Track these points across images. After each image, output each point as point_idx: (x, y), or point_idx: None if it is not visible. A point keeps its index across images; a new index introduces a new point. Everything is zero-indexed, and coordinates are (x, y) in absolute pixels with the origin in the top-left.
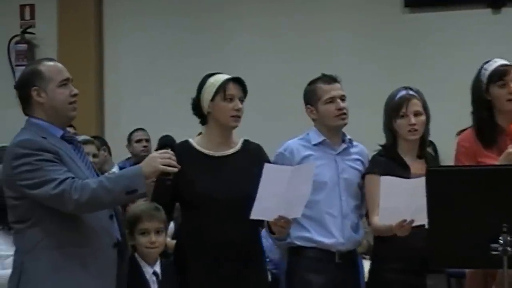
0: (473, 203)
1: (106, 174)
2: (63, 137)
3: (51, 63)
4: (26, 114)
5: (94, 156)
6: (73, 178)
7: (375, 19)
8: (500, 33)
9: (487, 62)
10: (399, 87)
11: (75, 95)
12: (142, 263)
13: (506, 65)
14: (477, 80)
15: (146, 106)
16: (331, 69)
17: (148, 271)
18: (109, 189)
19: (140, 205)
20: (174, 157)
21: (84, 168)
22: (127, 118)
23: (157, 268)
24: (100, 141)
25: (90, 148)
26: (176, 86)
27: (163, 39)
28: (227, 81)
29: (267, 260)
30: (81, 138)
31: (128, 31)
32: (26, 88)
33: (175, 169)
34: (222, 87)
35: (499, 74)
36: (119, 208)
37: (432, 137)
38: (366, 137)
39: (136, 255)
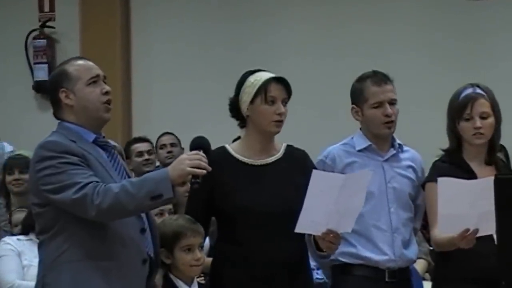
0: None
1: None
2: (95, 142)
3: (80, 61)
4: (57, 118)
5: None
6: (97, 182)
7: (436, 8)
8: None
9: None
10: (466, 84)
11: (107, 92)
12: (179, 283)
13: None
14: None
15: (180, 107)
16: (387, 66)
17: None
18: (133, 194)
19: (174, 219)
20: (205, 159)
21: (116, 176)
22: (158, 121)
23: None
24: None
25: None
26: (214, 83)
27: (198, 30)
28: (269, 81)
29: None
30: None
31: (158, 24)
32: (54, 91)
33: (204, 172)
34: (263, 88)
35: None
36: (155, 223)
37: (503, 141)
38: (427, 140)
39: (171, 275)
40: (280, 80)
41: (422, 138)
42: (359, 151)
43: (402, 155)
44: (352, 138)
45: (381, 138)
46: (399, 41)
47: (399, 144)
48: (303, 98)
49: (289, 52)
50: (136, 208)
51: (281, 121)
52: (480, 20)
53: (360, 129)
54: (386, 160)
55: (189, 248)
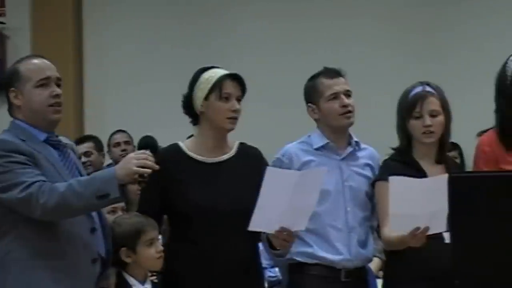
0: (502, 214)
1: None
2: (47, 141)
3: (34, 60)
4: (11, 115)
5: None
6: (44, 181)
7: (396, 2)
8: None
9: None
10: (415, 82)
11: (56, 95)
12: (132, 281)
13: None
14: (502, 73)
15: (133, 105)
16: (344, 60)
17: None
18: (79, 193)
19: (127, 218)
20: (151, 158)
21: (66, 175)
22: (111, 119)
23: (148, 286)
24: (93, 144)
25: None
26: (168, 82)
27: (152, 28)
28: (223, 77)
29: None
30: None
31: (111, 20)
32: (5, 90)
33: (149, 171)
34: (217, 85)
35: None
36: (107, 223)
37: (458, 139)
38: (384, 138)
39: (124, 273)
40: (235, 77)
41: (382, 134)
42: (316, 149)
43: (359, 153)
44: (309, 136)
45: (340, 133)
46: (359, 36)
47: (356, 142)
48: (262, 95)
49: (245, 50)
50: (82, 207)
51: (236, 118)
52: (436, 14)
53: (318, 127)
54: (343, 159)
55: (151, 242)
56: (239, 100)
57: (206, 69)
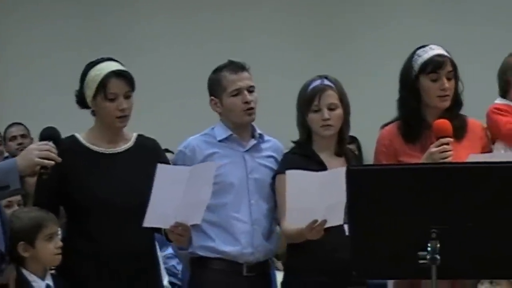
0: (399, 207)
1: None
2: None
3: None
4: None
5: None
6: None
7: None
8: (441, 12)
9: (422, 47)
10: (314, 76)
11: None
12: (32, 277)
13: (443, 56)
14: (407, 66)
15: (30, 97)
16: (248, 51)
17: (40, 286)
18: None
19: (27, 211)
20: (54, 150)
21: None
22: (7, 111)
23: (50, 281)
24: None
25: None
26: (66, 74)
27: (51, 20)
28: (108, 76)
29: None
30: None
31: (8, 12)
32: None
33: (52, 162)
34: (102, 85)
35: (433, 65)
36: (6, 217)
37: (356, 132)
38: (287, 131)
39: (23, 269)
40: (120, 74)
41: (286, 128)
42: (220, 141)
43: (263, 145)
44: (213, 128)
45: (242, 127)
46: (260, 28)
47: (259, 134)
48: (166, 88)
49: (149, 44)
50: None
51: (125, 116)
52: (339, 7)
53: (220, 120)
54: (248, 151)
55: (50, 236)
56: (128, 96)
57: (94, 64)
